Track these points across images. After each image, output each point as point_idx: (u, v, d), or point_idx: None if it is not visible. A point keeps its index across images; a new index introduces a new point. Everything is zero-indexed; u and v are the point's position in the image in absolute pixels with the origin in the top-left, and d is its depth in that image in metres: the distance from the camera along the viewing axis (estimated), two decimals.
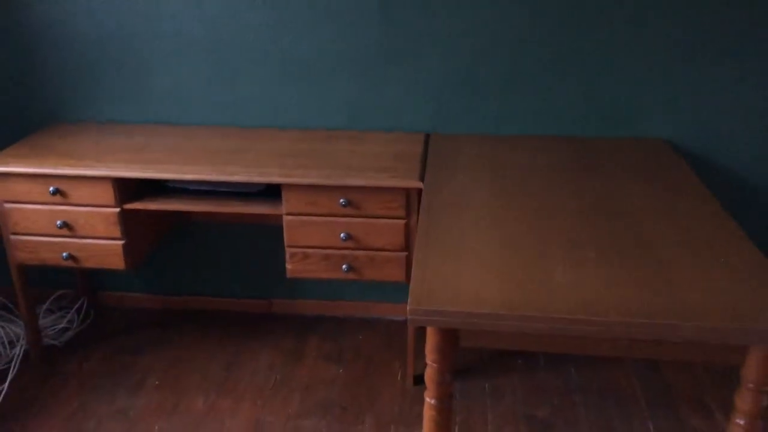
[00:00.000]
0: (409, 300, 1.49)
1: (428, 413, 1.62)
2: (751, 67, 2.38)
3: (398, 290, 2.83)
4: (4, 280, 2.81)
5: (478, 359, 2.62)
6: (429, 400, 1.61)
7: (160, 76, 2.59)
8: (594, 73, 2.44)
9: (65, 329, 2.76)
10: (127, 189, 2.31)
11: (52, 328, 2.73)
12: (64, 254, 2.35)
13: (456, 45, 2.45)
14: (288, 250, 2.29)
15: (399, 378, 2.52)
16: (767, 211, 2.55)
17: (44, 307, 2.78)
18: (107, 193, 2.27)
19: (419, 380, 2.49)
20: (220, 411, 2.36)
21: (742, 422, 1.54)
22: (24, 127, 2.68)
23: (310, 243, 2.26)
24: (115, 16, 2.51)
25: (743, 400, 1.52)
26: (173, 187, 2.37)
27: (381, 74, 2.51)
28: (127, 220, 2.33)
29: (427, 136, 2.53)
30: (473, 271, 1.58)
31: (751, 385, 1.49)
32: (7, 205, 2.33)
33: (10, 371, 2.49)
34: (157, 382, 2.50)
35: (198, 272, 2.90)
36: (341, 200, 2.18)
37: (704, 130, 2.47)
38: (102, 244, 2.33)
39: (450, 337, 1.53)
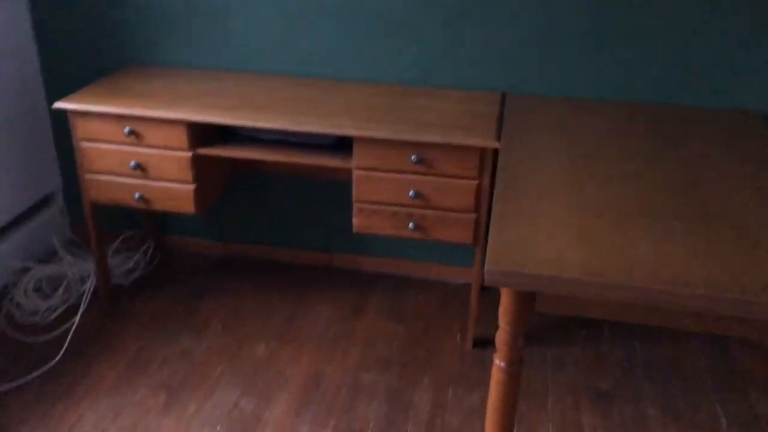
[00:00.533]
0: (486, 259, 1.45)
1: (497, 376, 1.60)
2: None
3: (459, 253, 2.79)
4: (79, 219, 2.88)
5: (541, 327, 2.58)
6: (499, 362, 1.58)
7: (235, 22, 2.57)
8: (687, 36, 2.32)
9: (132, 270, 2.82)
10: (200, 134, 2.32)
11: (120, 268, 2.79)
12: (137, 195, 2.39)
13: (535, 1, 2.36)
14: (356, 205, 2.27)
15: (458, 340, 2.50)
16: None
17: (113, 247, 2.84)
18: (181, 137, 2.28)
19: (478, 343, 2.46)
20: (280, 358, 2.39)
21: None
22: (100, 69, 2.72)
23: (378, 199, 2.23)
24: None
25: None
26: (245, 134, 2.37)
27: (458, 30, 2.44)
28: (198, 165, 2.34)
29: (503, 96, 2.46)
30: (552, 236, 1.53)
31: None
32: (85, 144, 2.37)
33: (81, 306, 2.56)
34: (219, 327, 2.54)
35: (261, 222, 2.92)
36: (413, 157, 2.14)
37: None
38: (173, 187, 2.36)
39: (526, 300, 1.50)
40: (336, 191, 2.76)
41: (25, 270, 2.72)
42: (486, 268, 1.43)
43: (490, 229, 1.57)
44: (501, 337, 1.56)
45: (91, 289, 2.64)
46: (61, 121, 2.78)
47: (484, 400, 2.21)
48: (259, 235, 2.94)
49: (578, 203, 1.68)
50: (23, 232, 2.79)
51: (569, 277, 1.39)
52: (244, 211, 2.91)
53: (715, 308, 1.38)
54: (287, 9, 2.52)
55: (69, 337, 2.41)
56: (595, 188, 1.76)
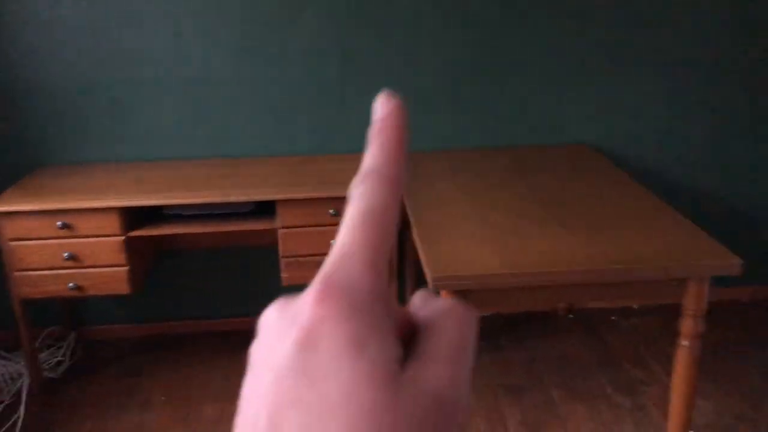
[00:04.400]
0: (428, 271, 1.83)
1: None
2: (646, 79, 2.93)
3: None
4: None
5: None
6: None
7: (143, 117, 2.83)
8: (521, 92, 2.92)
9: (60, 362, 2.88)
10: (129, 218, 2.53)
11: (48, 362, 2.85)
12: (71, 284, 2.52)
13: (404, 75, 2.86)
14: (283, 261, 2.58)
15: None
16: (670, 191, 3.09)
17: (37, 343, 2.89)
18: (113, 223, 2.48)
19: None
20: (231, 414, 2.58)
21: (686, 343, 1.98)
22: (11, 173, 2.83)
23: (303, 252, 2.56)
24: (95, 65, 2.75)
25: (686, 326, 1.96)
26: (170, 214, 2.60)
27: (343, 104, 2.88)
28: (130, 247, 2.54)
29: None
30: (470, 248, 1.96)
31: (690, 312, 1.94)
32: (13, 243, 2.49)
33: (21, 404, 2.60)
34: (163, 398, 2.68)
35: (181, 298, 3.10)
36: (330, 210, 2.51)
37: (615, 133, 3.00)
38: (107, 271, 2.53)
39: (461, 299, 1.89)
40: (250, 257, 3.03)
41: None
42: (431, 276, 1.81)
43: (421, 252, 1.96)
44: None
45: (26, 386, 2.68)
46: None
47: None
48: (181, 311, 3.12)
49: (482, 222, 2.13)
50: None
51: (493, 272, 1.81)
52: (164, 289, 3.08)
53: (600, 278, 1.85)
54: (190, 99, 2.83)
55: None
56: (492, 211, 2.22)
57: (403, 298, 3.09)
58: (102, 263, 2.52)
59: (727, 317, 3.12)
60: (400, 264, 2.94)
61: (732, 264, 1.85)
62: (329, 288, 0.27)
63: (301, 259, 2.57)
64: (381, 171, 0.30)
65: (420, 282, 3.04)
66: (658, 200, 2.28)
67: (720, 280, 1.98)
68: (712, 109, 3.01)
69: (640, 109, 2.98)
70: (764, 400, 2.59)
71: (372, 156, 0.31)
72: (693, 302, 1.93)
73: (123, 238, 2.50)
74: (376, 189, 0.30)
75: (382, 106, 0.32)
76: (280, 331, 0.27)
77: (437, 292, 1.85)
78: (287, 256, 2.57)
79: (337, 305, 0.26)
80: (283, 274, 2.59)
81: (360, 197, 0.30)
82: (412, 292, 3.06)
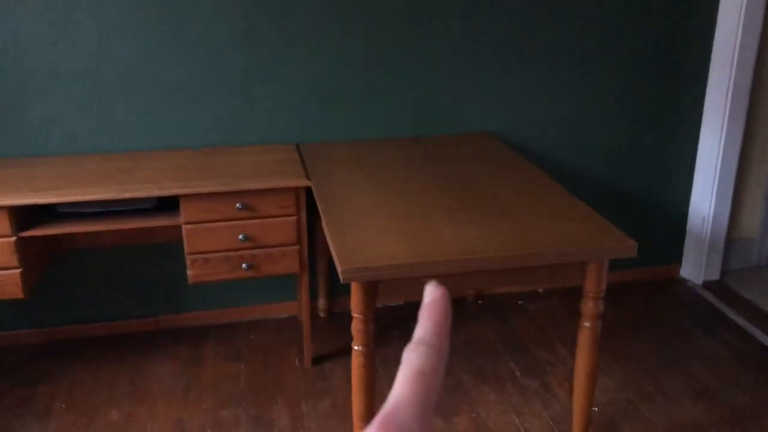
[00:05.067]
0: (338, 263, 1.82)
1: (357, 360, 1.96)
2: (543, 71, 3.03)
3: (278, 291, 3.11)
4: None
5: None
6: (357, 347, 1.94)
7: (32, 108, 2.67)
8: (425, 84, 2.95)
9: None
10: (21, 217, 2.38)
11: None
12: None
13: (310, 66, 2.83)
14: (189, 258, 2.50)
15: (297, 363, 2.81)
16: (569, 178, 3.20)
17: None
18: (3, 223, 2.33)
19: (316, 361, 2.79)
20: (137, 418, 2.49)
21: (588, 324, 2.06)
22: None
23: (210, 248, 2.49)
24: None
25: (587, 307, 2.04)
26: (65, 212, 2.47)
27: (248, 95, 2.82)
28: (22, 248, 2.39)
29: (298, 146, 2.87)
30: (379, 238, 1.96)
31: (591, 294, 2.02)
32: None
33: None
34: (63, 406, 2.55)
35: (81, 300, 2.96)
36: (237, 204, 2.45)
37: (516, 121, 3.08)
38: None
39: (371, 289, 1.89)
40: (149, 256, 2.93)
41: None
42: (340, 269, 1.80)
43: (332, 242, 1.95)
44: (356, 326, 1.93)
45: None
46: None
47: (335, 404, 2.54)
48: (78, 313, 2.97)
49: (390, 212, 2.13)
50: None
51: (402, 262, 1.82)
52: (61, 292, 2.93)
53: (504, 264, 1.90)
54: (83, 89, 2.69)
55: None
56: (399, 201, 2.23)
57: (314, 292, 3.07)
58: None
59: (626, 298, 3.27)
60: (311, 257, 2.91)
61: (628, 246, 1.93)
62: (388, 427, 0.35)
63: (207, 255, 2.50)
64: (431, 342, 0.40)
65: (332, 275, 3.02)
66: (559, 187, 2.36)
67: (617, 262, 2.07)
68: (612, 98, 3.14)
69: (542, 99, 3.07)
70: (662, 375, 2.73)
71: (423, 328, 0.41)
72: (593, 284, 2.00)
73: (14, 238, 2.36)
74: (425, 355, 0.39)
75: (431, 292, 0.43)
76: None
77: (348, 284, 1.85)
78: (193, 253, 2.49)
79: None
80: (189, 272, 2.51)
81: (415, 360, 0.39)
82: (324, 285, 3.05)
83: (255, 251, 2.52)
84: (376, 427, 0.35)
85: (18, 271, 2.39)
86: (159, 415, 2.50)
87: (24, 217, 2.39)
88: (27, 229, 2.39)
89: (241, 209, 2.46)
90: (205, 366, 2.80)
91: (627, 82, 3.13)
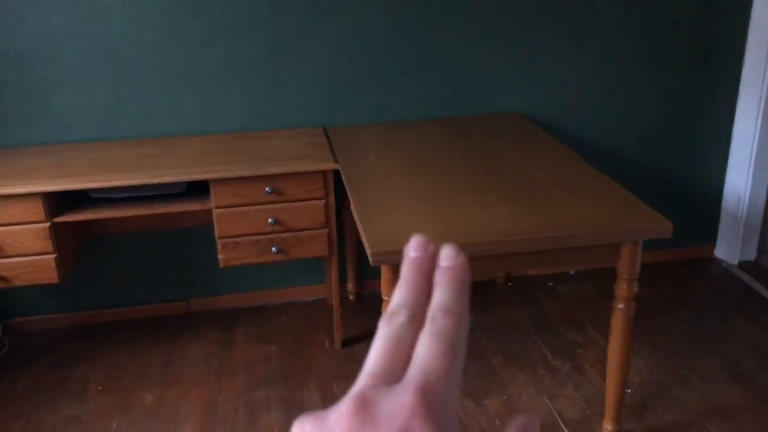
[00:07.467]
0: (367, 246, 1.82)
1: None
2: (574, 50, 2.97)
3: (307, 274, 3.12)
4: None
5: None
6: None
7: (62, 97, 2.69)
8: (454, 64, 2.91)
9: None
10: (53, 203, 2.41)
11: None
12: None
13: (336, 49, 2.81)
14: (220, 242, 2.51)
15: (327, 345, 2.82)
16: (600, 158, 3.15)
17: None
18: (36, 209, 2.36)
19: (346, 343, 2.80)
20: (171, 400, 2.52)
21: (622, 306, 2.03)
22: None
23: (240, 232, 2.50)
24: (7, 42, 2.59)
25: (620, 289, 2.01)
26: (97, 197, 2.50)
27: (275, 79, 2.81)
28: (56, 233, 2.43)
29: (324, 129, 2.86)
30: (408, 220, 1.95)
31: (625, 275, 1.99)
32: None
33: None
34: (99, 388, 2.60)
35: (113, 284, 3.00)
36: (267, 188, 2.45)
37: (547, 101, 3.03)
38: (33, 260, 2.41)
39: None
40: (179, 241, 2.95)
41: None
42: (370, 252, 1.79)
43: (361, 226, 1.94)
44: (386, 308, 1.92)
45: None
46: None
47: None
48: (111, 298, 3.01)
49: (419, 194, 2.12)
50: None
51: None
52: (93, 277, 2.97)
53: (537, 245, 1.87)
54: (112, 76, 2.70)
55: None
56: (427, 182, 2.21)
57: (343, 275, 3.07)
58: (27, 252, 2.40)
59: (659, 279, 3.22)
60: (340, 240, 2.91)
61: (664, 227, 1.90)
62: (426, 398, 0.34)
63: (238, 239, 2.51)
64: (460, 312, 0.38)
65: (361, 258, 3.02)
66: (591, 168, 2.32)
67: (650, 242, 2.04)
68: (644, 76, 3.07)
69: (573, 78, 3.02)
70: (695, 357, 2.70)
71: (448, 294, 0.38)
72: (627, 266, 1.97)
73: (48, 224, 2.39)
74: (458, 328, 0.37)
75: (452, 256, 0.40)
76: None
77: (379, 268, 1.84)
78: (224, 237, 2.50)
79: (429, 411, 0.34)
80: (220, 256, 2.52)
81: (448, 332, 0.37)
82: (353, 267, 3.05)
83: (284, 235, 2.53)
84: (416, 403, 0.34)
85: (53, 256, 2.42)
86: (192, 397, 2.53)
87: (56, 203, 2.43)
88: (60, 215, 2.42)
89: (270, 193, 2.46)
90: (237, 348, 2.82)
91: (660, 59, 3.06)
